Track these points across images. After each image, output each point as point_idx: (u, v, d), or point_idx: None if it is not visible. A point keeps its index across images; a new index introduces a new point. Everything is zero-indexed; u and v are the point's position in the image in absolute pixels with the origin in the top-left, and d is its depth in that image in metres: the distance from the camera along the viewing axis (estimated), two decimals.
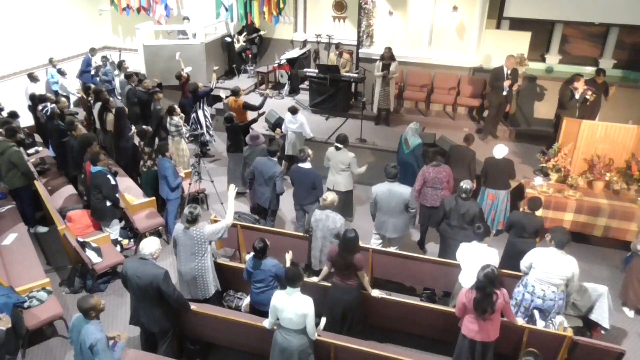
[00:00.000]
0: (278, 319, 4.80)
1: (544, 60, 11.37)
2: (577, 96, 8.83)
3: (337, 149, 7.51)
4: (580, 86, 8.81)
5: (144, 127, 8.15)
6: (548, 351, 5.23)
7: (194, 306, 5.30)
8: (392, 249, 6.74)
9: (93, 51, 12.60)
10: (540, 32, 11.08)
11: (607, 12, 10.30)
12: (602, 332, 5.84)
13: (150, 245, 4.93)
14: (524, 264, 5.54)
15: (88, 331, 4.29)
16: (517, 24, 11.05)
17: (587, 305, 5.81)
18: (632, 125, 8.04)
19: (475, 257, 5.53)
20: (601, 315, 5.76)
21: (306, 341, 4.78)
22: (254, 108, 9.21)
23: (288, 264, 5.61)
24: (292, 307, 4.64)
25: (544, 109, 10.69)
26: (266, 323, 5.01)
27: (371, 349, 5.02)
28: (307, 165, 7.01)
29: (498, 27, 11.27)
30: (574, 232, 6.61)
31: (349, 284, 5.39)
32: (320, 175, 7.11)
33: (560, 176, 7.98)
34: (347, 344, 5.00)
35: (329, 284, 5.59)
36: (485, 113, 10.69)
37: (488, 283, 4.65)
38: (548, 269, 5.33)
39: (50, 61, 12.00)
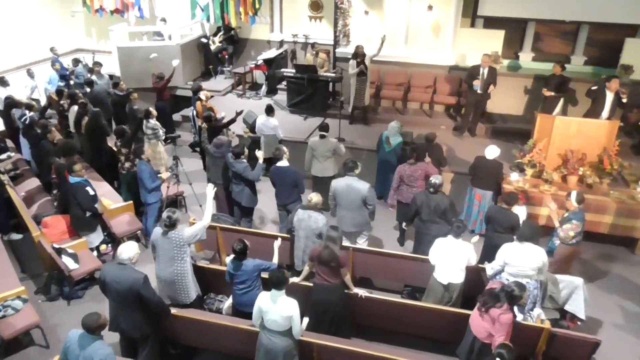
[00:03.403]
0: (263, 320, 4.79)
1: (517, 57, 11.56)
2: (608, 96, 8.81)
3: (322, 137, 7.82)
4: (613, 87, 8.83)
5: (122, 126, 8.05)
6: (527, 343, 5.33)
7: (174, 310, 5.26)
8: (360, 245, 6.79)
9: (76, 62, 12.18)
10: (514, 30, 11.27)
11: (578, 11, 10.52)
12: (579, 323, 5.96)
13: (128, 250, 4.88)
14: (497, 262, 5.62)
15: (95, 348, 4.22)
16: (491, 23, 11.21)
17: (563, 297, 5.93)
18: (604, 121, 8.26)
19: (450, 252, 5.62)
20: (577, 306, 5.89)
21: (291, 342, 4.80)
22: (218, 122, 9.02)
23: (276, 252, 5.61)
24: (277, 309, 4.65)
25: (518, 106, 10.86)
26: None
27: (355, 347, 5.05)
28: (284, 163, 7.03)
29: (472, 25, 11.41)
30: (550, 227, 6.72)
31: (332, 282, 5.41)
32: (300, 173, 7.13)
33: (536, 171, 8.11)
34: (329, 343, 5.02)
35: (311, 284, 5.59)
36: (463, 111, 10.82)
37: (506, 294, 4.72)
38: (519, 262, 5.45)
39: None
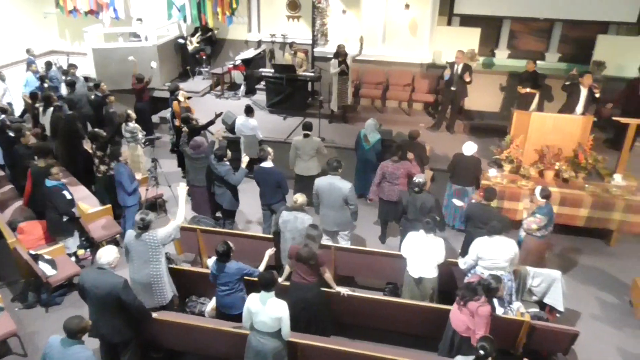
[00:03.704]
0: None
1: (493, 55, 11.71)
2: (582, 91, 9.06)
3: (306, 136, 7.86)
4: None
5: (96, 130, 7.94)
6: (508, 336, 5.41)
7: (155, 314, 5.20)
8: (342, 244, 6.82)
9: (49, 65, 11.92)
10: (490, 28, 11.40)
11: (551, 8, 10.70)
12: (558, 315, 6.07)
13: (107, 254, 4.81)
14: (470, 257, 5.71)
15: (75, 352, 4.16)
16: (467, 21, 11.33)
17: (542, 290, 6.03)
18: (577, 116, 8.42)
19: (421, 247, 5.70)
20: (556, 299, 6.00)
21: (280, 344, 4.79)
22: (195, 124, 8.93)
23: (265, 260, 5.57)
24: (267, 310, 4.64)
25: (495, 103, 11.00)
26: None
27: (338, 345, 5.07)
28: (268, 164, 7.02)
29: (449, 23, 11.53)
30: None
31: (309, 280, 5.41)
32: (283, 174, 7.13)
33: (513, 167, 8.22)
34: (312, 343, 5.03)
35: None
36: (439, 108, 10.92)
37: (483, 287, 4.82)
38: (492, 255, 5.56)
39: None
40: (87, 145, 8.30)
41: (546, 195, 6.36)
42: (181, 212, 5.61)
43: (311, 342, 5.04)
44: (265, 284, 4.67)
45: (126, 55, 11.20)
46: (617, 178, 7.94)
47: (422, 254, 5.71)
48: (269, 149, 7.08)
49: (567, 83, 9.27)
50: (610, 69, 10.40)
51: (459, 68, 9.89)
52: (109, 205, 7.60)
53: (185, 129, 8.18)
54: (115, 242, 7.47)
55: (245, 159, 7.21)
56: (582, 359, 5.77)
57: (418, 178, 6.53)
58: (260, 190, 7.25)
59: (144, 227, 5.25)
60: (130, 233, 5.37)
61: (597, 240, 7.92)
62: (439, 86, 11.03)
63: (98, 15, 12.58)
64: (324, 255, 5.46)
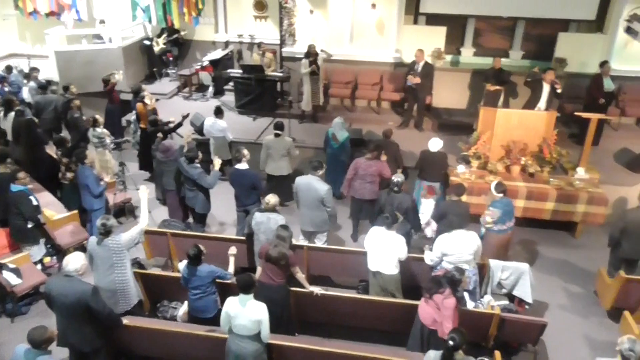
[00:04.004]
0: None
1: (459, 53, 11.89)
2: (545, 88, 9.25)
3: (277, 135, 7.87)
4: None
5: (61, 135, 7.76)
6: (479, 329, 5.51)
7: (126, 320, 5.11)
8: (319, 244, 6.83)
9: (9, 69, 11.56)
10: (455, 26, 11.57)
11: (514, 7, 10.93)
12: (526, 306, 6.20)
13: (74, 261, 4.71)
14: (435, 254, 5.79)
15: None
16: (433, 20, 11.48)
17: (511, 283, 6.16)
18: (541, 112, 8.64)
19: (380, 242, 5.76)
20: (524, 291, 6.13)
21: (260, 346, 4.76)
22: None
23: (232, 261, 5.55)
24: (246, 313, 4.61)
25: (462, 100, 11.17)
26: None
27: (313, 345, 5.07)
28: (243, 165, 6.98)
29: (415, 22, 11.66)
30: None
31: (277, 281, 5.41)
32: (258, 175, 7.11)
33: (481, 163, 8.37)
34: (288, 343, 5.03)
35: None
36: (405, 106, 11.03)
37: (448, 280, 4.92)
38: (456, 250, 5.65)
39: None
40: (51, 150, 8.09)
41: (502, 190, 6.49)
42: (144, 216, 5.55)
43: (287, 343, 5.04)
44: (244, 286, 4.64)
45: (90, 57, 11.00)
46: (580, 171, 8.18)
47: (381, 249, 5.77)
48: (245, 151, 7.04)
49: (529, 79, 9.51)
50: (572, 65, 10.68)
51: (419, 66, 9.99)
52: (76, 211, 7.43)
53: (160, 134, 8.06)
54: (83, 249, 7.30)
55: (218, 161, 7.15)
56: (551, 349, 5.92)
57: (397, 177, 6.59)
58: (235, 192, 7.21)
59: (106, 232, 5.16)
60: (93, 239, 5.28)
61: (562, 233, 8.13)
62: (406, 85, 11.12)
63: (60, 17, 12.27)
64: (295, 256, 5.45)
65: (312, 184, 6.59)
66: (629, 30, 7.57)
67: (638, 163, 8.87)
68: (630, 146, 9.58)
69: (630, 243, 6.38)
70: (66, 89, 9.85)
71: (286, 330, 5.50)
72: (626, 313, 5.77)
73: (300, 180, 6.75)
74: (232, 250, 5.68)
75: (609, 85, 9.38)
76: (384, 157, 7.51)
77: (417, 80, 9.91)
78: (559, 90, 9.16)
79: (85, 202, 7.17)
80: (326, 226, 6.93)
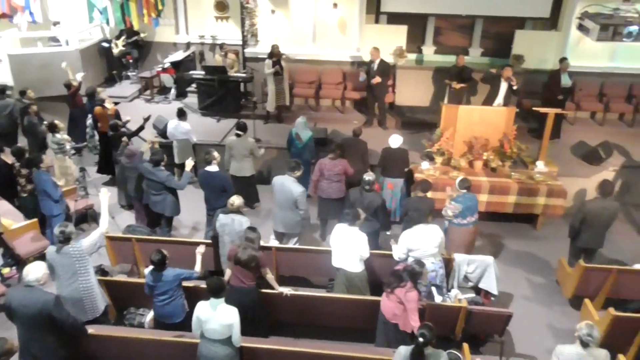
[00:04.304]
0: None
1: (420, 51, 12.06)
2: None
3: (238, 136, 7.84)
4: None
5: (19, 146, 7.51)
6: (447, 323, 5.61)
7: (92, 329, 4.99)
8: (291, 244, 6.82)
9: None
10: (416, 25, 11.71)
11: (472, 5, 11.13)
12: (492, 298, 6.35)
13: (35, 270, 4.56)
14: (400, 250, 5.87)
15: None
16: (394, 19, 11.59)
17: (477, 276, 6.28)
18: (501, 108, 8.85)
19: (343, 238, 5.80)
20: (490, 283, 6.26)
21: (232, 350, 4.72)
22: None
23: (198, 260, 5.49)
24: (217, 317, 4.56)
25: (425, 98, 11.32)
26: None
27: (283, 346, 5.06)
28: (214, 168, 6.92)
29: (377, 22, 11.75)
30: None
31: (248, 284, 5.38)
32: (228, 178, 7.04)
33: (445, 159, 8.52)
34: (258, 345, 5.00)
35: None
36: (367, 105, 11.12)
37: (408, 273, 4.98)
38: (420, 244, 5.75)
39: None
40: (7, 157, 7.80)
41: (465, 186, 6.63)
42: (104, 219, 5.45)
43: (258, 345, 5.01)
44: (214, 290, 4.59)
45: (46, 60, 10.66)
46: (540, 165, 8.43)
47: (344, 245, 5.80)
48: (215, 153, 6.99)
49: (484, 76, 9.76)
50: (530, 62, 10.96)
51: (375, 64, 10.08)
52: (35, 220, 7.19)
53: (124, 139, 7.89)
54: (44, 258, 7.07)
55: (190, 163, 7.07)
56: (517, 338, 6.07)
57: (368, 176, 6.62)
58: (205, 195, 7.14)
59: (65, 239, 5.04)
60: (52, 248, 5.15)
61: (524, 225, 8.36)
62: (360, 82, 11.18)
63: (12, 19, 11.84)
64: (264, 256, 5.43)
65: (286, 185, 6.57)
66: (581, 28, 7.79)
67: (594, 155, 9.16)
68: (586, 139, 9.89)
69: (589, 233, 6.59)
70: (23, 93, 9.53)
71: (258, 332, 5.47)
72: (586, 301, 5.98)
73: (276, 180, 6.75)
74: (201, 248, 5.62)
75: (566, 81, 9.66)
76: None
77: (378, 80, 9.98)
78: (515, 87, 9.40)
79: (44, 208, 6.96)
80: (297, 229, 6.90)
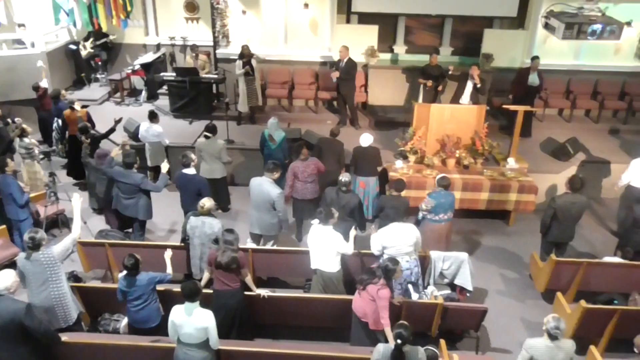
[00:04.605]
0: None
1: (392, 51, 12.15)
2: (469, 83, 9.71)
3: (207, 137, 7.79)
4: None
5: None
6: (424, 319, 5.67)
7: (65, 337, 4.88)
8: (268, 246, 6.80)
9: None
10: (386, 25, 11.78)
11: (441, 5, 11.26)
12: (467, 294, 6.44)
13: (5, 278, 4.45)
14: (375, 247, 5.91)
15: None
16: (365, 18, 11.64)
17: (452, 272, 6.36)
18: (471, 106, 8.98)
19: (318, 238, 5.81)
20: (465, 279, 6.35)
21: (208, 354, 4.68)
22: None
23: (168, 262, 5.45)
24: (192, 321, 4.51)
25: (398, 97, 11.42)
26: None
27: (262, 347, 5.05)
28: (191, 170, 6.86)
29: (348, 21, 11.79)
30: None
31: (232, 286, 5.34)
32: (205, 181, 6.97)
33: (418, 157, 8.60)
34: (236, 348, 4.98)
35: (211, 291, 5.48)
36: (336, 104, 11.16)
37: (382, 270, 5.03)
38: (395, 242, 5.79)
39: None
40: None
41: (443, 185, 6.69)
42: (77, 225, 5.33)
43: (235, 348, 4.98)
44: (189, 294, 4.54)
45: (12, 63, 10.39)
46: (511, 162, 8.58)
47: (318, 245, 5.81)
48: (192, 155, 6.93)
49: (450, 73, 9.96)
50: (499, 60, 11.14)
51: (343, 63, 10.11)
52: (4, 226, 7.02)
53: (85, 139, 7.74)
54: (14, 265, 6.90)
55: (166, 165, 6.99)
56: (492, 333, 6.19)
57: (344, 177, 6.61)
58: (180, 197, 7.06)
59: (35, 246, 4.91)
60: (22, 255, 5.02)
61: (497, 221, 8.51)
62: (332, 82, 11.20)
63: None
64: (243, 257, 5.41)
65: (263, 186, 6.53)
66: (547, 26, 8.00)
67: (563, 151, 9.37)
68: (555, 136, 10.11)
69: (559, 227, 6.73)
70: None
71: (244, 334, 5.45)
72: (559, 294, 6.13)
73: (253, 181, 6.69)
74: (169, 252, 5.60)
75: (533, 80, 9.82)
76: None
77: (336, 74, 10.01)
78: (478, 85, 9.55)
79: (9, 212, 6.81)
80: (274, 231, 6.86)
